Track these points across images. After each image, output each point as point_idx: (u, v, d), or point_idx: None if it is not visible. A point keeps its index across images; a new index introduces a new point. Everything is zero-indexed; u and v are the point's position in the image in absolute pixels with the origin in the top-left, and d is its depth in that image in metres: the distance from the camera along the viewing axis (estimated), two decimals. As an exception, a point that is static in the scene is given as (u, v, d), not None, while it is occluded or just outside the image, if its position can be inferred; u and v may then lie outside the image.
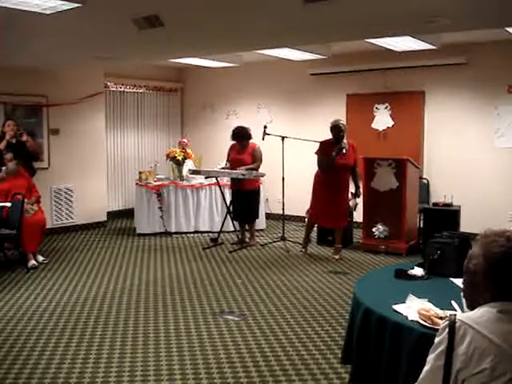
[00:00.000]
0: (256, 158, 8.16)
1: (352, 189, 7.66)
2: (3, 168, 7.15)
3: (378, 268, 6.82)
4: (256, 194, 8.35)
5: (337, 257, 7.52)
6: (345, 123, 7.49)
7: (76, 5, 4.63)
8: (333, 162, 7.30)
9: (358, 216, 8.22)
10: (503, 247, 1.88)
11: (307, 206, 9.53)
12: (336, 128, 7.36)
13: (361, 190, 7.59)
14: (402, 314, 2.87)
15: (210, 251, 8.07)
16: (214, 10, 4.99)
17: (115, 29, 5.71)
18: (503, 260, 1.87)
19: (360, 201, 7.73)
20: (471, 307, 1.99)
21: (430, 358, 1.93)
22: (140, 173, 9.52)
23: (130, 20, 5.20)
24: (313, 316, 5.26)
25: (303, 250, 7.91)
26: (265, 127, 8.21)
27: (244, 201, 8.21)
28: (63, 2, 4.60)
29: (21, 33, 6.01)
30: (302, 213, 9.88)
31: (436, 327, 2.45)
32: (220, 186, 8.77)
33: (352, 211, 7.89)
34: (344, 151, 7.25)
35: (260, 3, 4.72)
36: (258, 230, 8.78)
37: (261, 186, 8.43)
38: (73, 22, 5.29)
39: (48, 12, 4.91)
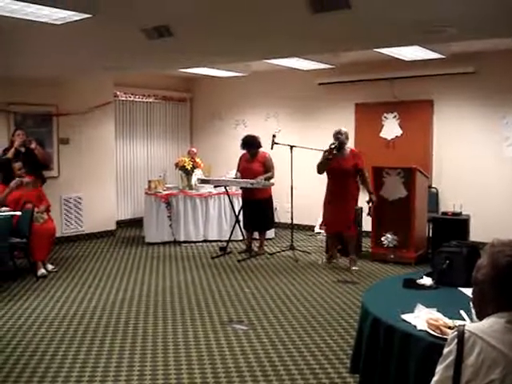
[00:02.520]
0: (269, 168, 8.19)
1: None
2: (16, 179, 7.17)
3: (386, 277, 6.80)
4: (268, 202, 8.32)
5: (356, 268, 7.41)
6: (346, 131, 7.47)
7: (86, 15, 4.68)
8: (324, 165, 7.41)
9: (367, 225, 8.20)
10: (509, 257, 1.87)
11: (316, 214, 9.56)
12: (334, 136, 7.42)
13: (372, 196, 7.43)
14: (410, 324, 2.86)
15: (219, 260, 8.08)
16: (222, 21, 5.03)
17: (125, 39, 5.75)
18: (509, 270, 1.87)
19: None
20: (480, 317, 1.98)
21: (439, 368, 1.92)
22: (149, 182, 9.56)
23: (139, 30, 5.24)
24: (321, 325, 5.25)
25: (326, 261, 7.80)
26: (273, 136, 8.22)
27: (256, 210, 8.21)
28: (74, 13, 4.64)
29: (31, 43, 6.06)
30: (311, 222, 9.90)
31: (445, 337, 2.44)
32: (229, 195, 8.80)
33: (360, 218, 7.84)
34: (332, 146, 7.30)
35: (268, 13, 4.75)
36: (266, 239, 8.77)
37: (272, 194, 8.40)
38: (83, 32, 5.34)
39: (58, 22, 4.96)
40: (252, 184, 7.94)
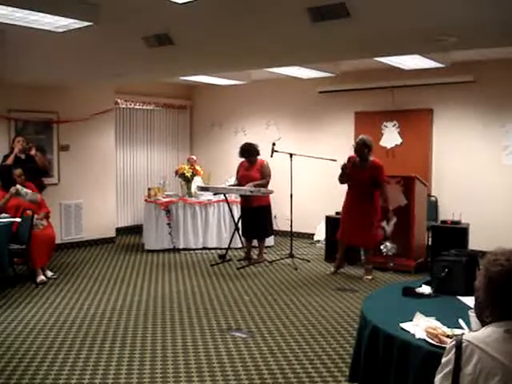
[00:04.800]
0: (265, 174, 8.18)
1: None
2: (18, 186, 7.16)
3: (385, 285, 6.79)
4: (266, 210, 8.29)
5: (369, 277, 7.33)
6: (364, 140, 7.20)
7: (87, 23, 4.71)
8: (342, 176, 7.27)
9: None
10: (501, 266, 1.89)
11: (316, 223, 9.57)
12: (354, 145, 7.35)
13: (390, 212, 7.32)
14: (409, 332, 2.86)
15: (218, 268, 8.08)
16: (223, 30, 5.06)
17: (126, 47, 5.78)
18: (500, 279, 1.88)
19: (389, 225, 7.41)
20: (480, 324, 2.00)
21: (438, 378, 1.93)
22: (149, 189, 9.58)
23: (140, 38, 5.27)
24: (320, 333, 5.25)
25: (332, 269, 7.67)
26: (273, 144, 8.24)
27: (254, 217, 8.20)
28: (75, 21, 4.68)
29: (32, 50, 6.09)
30: (310, 230, 9.91)
31: (443, 345, 2.45)
32: (228, 203, 8.80)
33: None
34: (346, 162, 7.23)
35: (269, 22, 4.78)
36: (266, 247, 8.76)
37: (271, 202, 8.36)
38: (84, 40, 5.37)
39: (60, 30, 4.99)
40: (251, 192, 7.95)
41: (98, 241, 9.80)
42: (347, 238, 7.49)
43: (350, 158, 7.33)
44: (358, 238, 7.36)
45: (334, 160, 7.90)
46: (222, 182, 9.55)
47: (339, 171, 7.31)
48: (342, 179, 7.36)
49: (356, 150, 7.24)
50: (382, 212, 7.33)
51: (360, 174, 7.20)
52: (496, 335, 1.85)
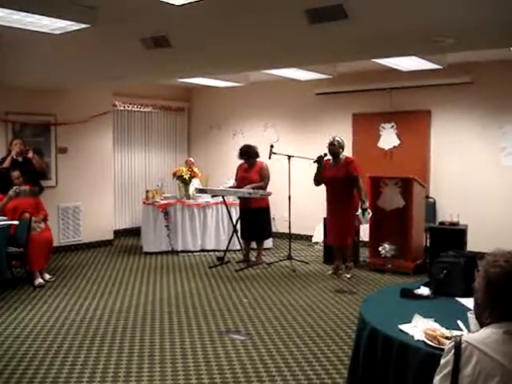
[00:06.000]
0: (264, 177, 8.18)
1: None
2: (14, 187, 7.16)
3: (384, 287, 6.79)
4: (265, 212, 8.29)
5: (348, 275, 7.47)
6: (339, 140, 7.43)
7: (85, 25, 4.70)
8: (318, 175, 7.51)
9: (365, 235, 8.20)
10: (500, 267, 1.89)
11: (314, 224, 9.57)
12: (328, 145, 7.46)
13: (366, 204, 7.30)
14: (408, 334, 2.86)
15: (217, 270, 8.07)
16: (221, 31, 5.05)
17: (123, 49, 5.78)
18: (499, 280, 1.88)
19: (368, 217, 7.39)
20: (479, 325, 2.00)
21: (436, 379, 1.93)
22: (147, 191, 9.56)
23: (138, 40, 5.26)
24: (319, 335, 5.24)
25: (330, 271, 7.74)
26: (271, 146, 8.23)
27: (253, 219, 8.21)
28: (72, 23, 4.67)
29: (30, 53, 6.09)
30: (309, 232, 9.90)
31: (442, 347, 2.44)
32: (226, 205, 8.78)
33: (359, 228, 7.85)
34: (317, 158, 7.43)
35: (267, 24, 4.78)
36: (264, 249, 8.76)
37: (269, 204, 8.38)
38: (81, 42, 5.36)
39: (57, 32, 4.98)
40: (250, 194, 7.94)
41: (96, 243, 9.78)
42: (329, 238, 7.74)
43: (320, 157, 7.49)
44: (334, 238, 7.57)
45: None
46: (220, 184, 9.54)
47: (315, 167, 7.53)
48: (318, 179, 7.55)
49: (330, 150, 7.44)
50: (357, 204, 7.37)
51: (334, 172, 7.38)
52: (495, 336, 1.84)
